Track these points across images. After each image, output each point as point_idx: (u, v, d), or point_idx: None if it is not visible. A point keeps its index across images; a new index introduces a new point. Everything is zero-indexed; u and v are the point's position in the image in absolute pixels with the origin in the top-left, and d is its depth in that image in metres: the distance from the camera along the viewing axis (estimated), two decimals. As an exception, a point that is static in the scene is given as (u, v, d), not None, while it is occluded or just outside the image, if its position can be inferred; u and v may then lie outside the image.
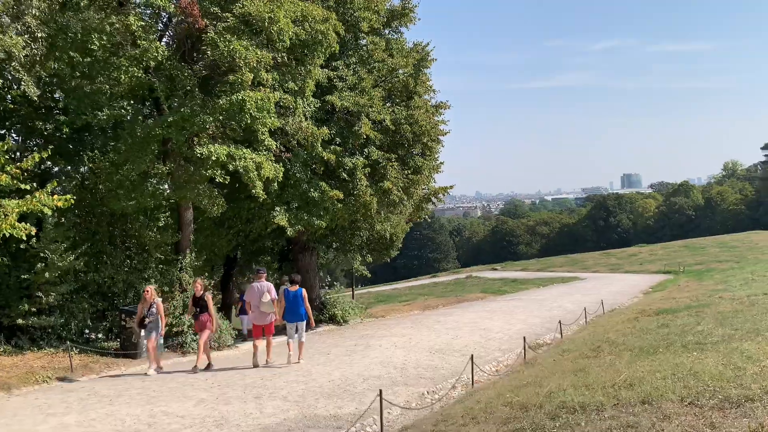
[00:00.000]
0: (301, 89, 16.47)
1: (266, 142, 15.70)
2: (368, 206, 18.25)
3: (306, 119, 17.07)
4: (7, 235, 11.32)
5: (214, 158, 14.33)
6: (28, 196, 11.43)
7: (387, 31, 21.23)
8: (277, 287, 14.42)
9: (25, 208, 11.35)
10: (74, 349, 13.51)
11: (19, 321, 13.92)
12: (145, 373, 12.51)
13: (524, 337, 13.87)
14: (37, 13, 13.56)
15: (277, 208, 17.37)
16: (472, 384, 10.75)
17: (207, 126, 14.49)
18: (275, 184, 16.03)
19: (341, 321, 20.64)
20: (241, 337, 18.83)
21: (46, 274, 13.87)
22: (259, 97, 14.59)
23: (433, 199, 21.49)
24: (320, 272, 23.61)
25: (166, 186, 15.85)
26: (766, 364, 7.53)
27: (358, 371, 12.05)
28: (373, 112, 18.50)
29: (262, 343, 13.48)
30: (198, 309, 13.26)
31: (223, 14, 14.83)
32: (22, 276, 14.09)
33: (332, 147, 17.95)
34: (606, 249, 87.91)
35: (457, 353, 14.15)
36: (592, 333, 15.42)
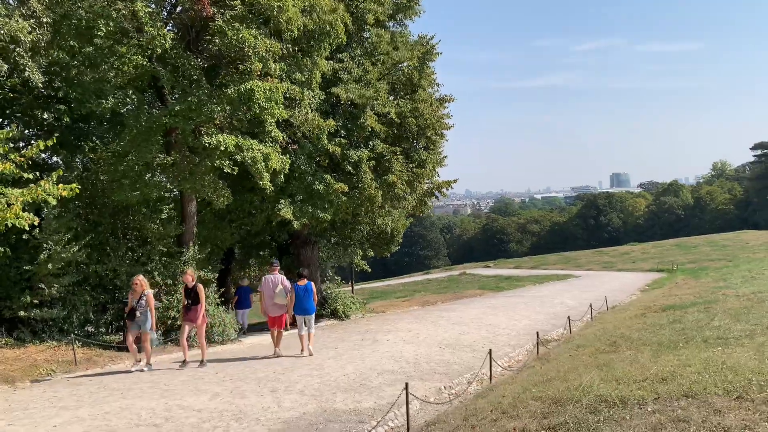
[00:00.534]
0: (308, 80, 16.23)
1: (273, 133, 15.45)
2: (373, 199, 18.03)
3: (311, 111, 16.82)
4: (10, 225, 11.01)
5: (222, 148, 14.08)
6: (32, 185, 11.15)
7: (391, 24, 21.01)
8: None
9: (29, 197, 11.06)
10: (77, 342, 13.24)
11: (21, 313, 13.60)
12: (130, 370, 11.92)
13: (537, 333, 13.74)
14: (43, -2, 13.26)
15: (282, 201, 17.11)
16: (490, 379, 10.58)
17: (215, 116, 14.24)
18: (281, 176, 15.76)
19: (342, 316, 20.45)
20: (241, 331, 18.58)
21: (49, 266, 13.55)
22: (268, 87, 14.34)
23: (436, 193, 21.29)
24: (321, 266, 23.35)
25: (170, 177, 15.49)
26: (800, 359, 7.42)
27: (371, 365, 11.85)
28: (378, 104, 18.29)
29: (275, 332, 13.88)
30: (189, 301, 12.70)
31: (231, 2, 14.55)
32: (24, 267, 13.77)
33: (337, 139, 17.72)
34: (596, 247, 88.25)
35: (467, 348, 14.00)
36: (602, 329, 15.30)
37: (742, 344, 9.15)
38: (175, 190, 16.94)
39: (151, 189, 14.70)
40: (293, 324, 14.00)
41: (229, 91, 14.18)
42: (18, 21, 12.26)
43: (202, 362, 12.49)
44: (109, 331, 15.97)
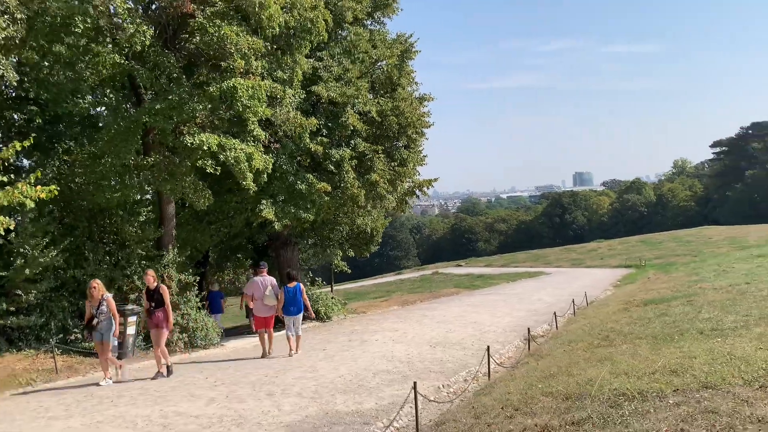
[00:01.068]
0: (290, 78, 15.99)
1: (255, 132, 15.17)
2: (356, 199, 17.85)
3: (293, 110, 16.56)
4: (-15, 229, 10.56)
5: (205, 148, 13.74)
6: (8, 187, 10.70)
7: (369, 22, 20.85)
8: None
9: (5, 200, 10.63)
10: (57, 349, 12.78)
11: (-3, 321, 13.09)
12: (98, 384, 10.89)
13: (528, 329, 13.72)
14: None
15: (264, 202, 16.80)
16: (489, 376, 10.49)
17: (196, 114, 13.90)
18: (264, 176, 15.47)
19: (324, 317, 20.19)
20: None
21: (26, 271, 13.06)
22: (251, 85, 14.06)
23: (417, 192, 21.19)
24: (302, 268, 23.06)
25: (149, 178, 15.06)
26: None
27: (365, 366, 11.68)
28: (359, 103, 18.12)
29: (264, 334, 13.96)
30: (153, 304, 11.72)
31: (212, -2, 14.23)
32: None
33: (319, 138, 17.49)
34: (562, 245, 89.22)
35: (457, 346, 13.91)
36: (588, 324, 15.36)
37: (740, 335, 9.23)
38: (152, 192, 16.52)
39: (130, 190, 14.29)
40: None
41: (211, 89, 13.86)
42: (-9, 17, 11.76)
43: (168, 369, 11.64)
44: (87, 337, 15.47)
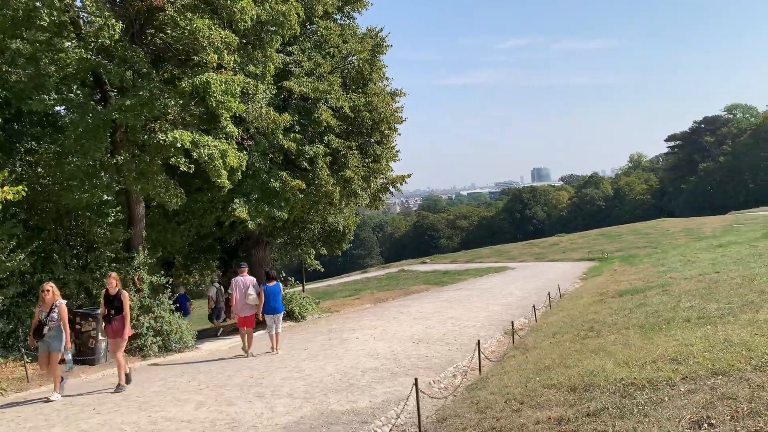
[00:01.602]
0: (262, 73, 15.64)
1: (228, 129, 14.79)
2: (331, 196, 17.59)
3: (265, 105, 16.22)
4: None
5: (178, 145, 13.31)
6: (-28, 189, 10.21)
7: (339, 16, 20.58)
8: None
9: (-29, 202, 10.14)
10: (27, 357, 12.22)
11: (-39, 329, 12.47)
12: (47, 399, 9.92)
13: (512, 322, 13.70)
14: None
15: (237, 200, 16.42)
16: (480, 371, 10.39)
17: (168, 111, 13.46)
18: (238, 173, 15.10)
19: (299, 317, 19.89)
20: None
21: (-7, 276, 12.47)
22: (224, 80, 13.69)
23: (390, 188, 21.00)
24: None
25: (119, 178, 14.55)
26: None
27: (351, 364, 11.46)
28: (331, 98, 17.86)
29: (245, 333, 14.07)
30: (112, 311, 10.75)
31: (182, -9, 13.79)
32: (-37, 279, 12.63)
33: (292, 135, 17.16)
34: (523, 240, 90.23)
35: (439, 342, 13.80)
36: (567, 315, 15.44)
37: (729, 322, 9.31)
38: (120, 192, 15.97)
39: (100, 190, 13.76)
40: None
41: (183, 84, 13.45)
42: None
43: (127, 377, 10.79)
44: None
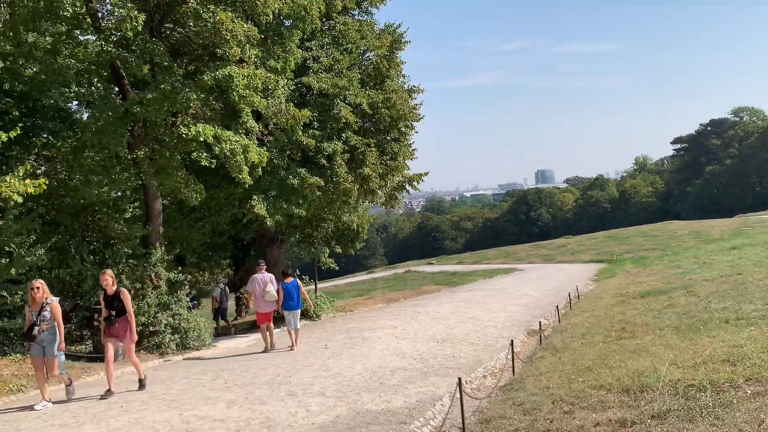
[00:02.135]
0: (283, 68, 15.41)
1: (248, 124, 14.59)
2: (349, 193, 17.37)
3: (285, 101, 16.00)
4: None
5: (201, 139, 13.10)
6: (-4, 180, 10.00)
7: (356, 12, 20.34)
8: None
9: (-6, 194, 9.94)
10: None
11: (-20, 325, 12.26)
12: (32, 407, 9.03)
13: (540, 323, 13.47)
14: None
15: (255, 197, 16.21)
16: (513, 372, 10.14)
17: (191, 104, 13.25)
18: (259, 169, 14.87)
19: (313, 316, 19.68)
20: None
21: (12, 271, 12.24)
22: (247, 74, 13.48)
23: (407, 186, 20.74)
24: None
25: (139, 172, 14.33)
26: None
27: (378, 363, 11.22)
28: (350, 95, 17.63)
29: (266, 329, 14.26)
30: (113, 312, 9.85)
31: (204, -18, 13.57)
32: (-18, 274, 12.41)
33: (311, 131, 16.94)
34: (528, 242, 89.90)
35: (464, 342, 13.55)
36: (592, 316, 15.19)
37: (773, 322, 9.08)
38: (138, 187, 15.77)
39: (119, 185, 13.58)
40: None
41: (206, 78, 13.23)
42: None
43: (141, 383, 10.17)
44: (74, 340, 14.70)
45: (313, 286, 25.07)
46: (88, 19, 13.90)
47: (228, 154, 13.65)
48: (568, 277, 34.65)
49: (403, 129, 19.47)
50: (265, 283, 14.02)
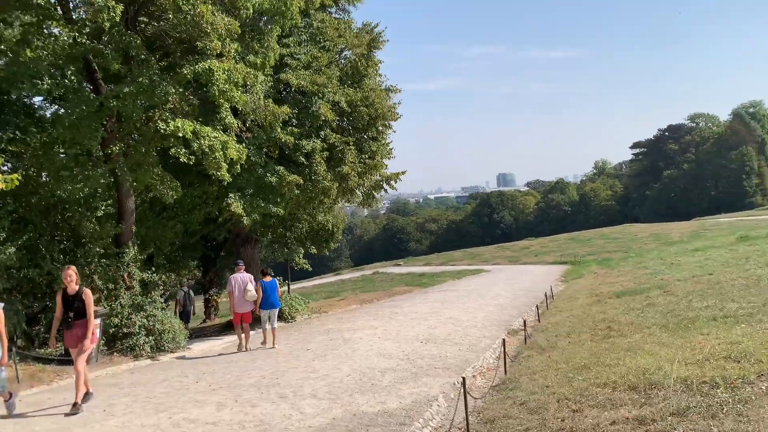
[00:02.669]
0: (262, 64, 15.09)
1: (227, 120, 14.23)
2: (328, 192, 17.11)
3: (263, 97, 15.68)
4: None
5: (180, 135, 12.70)
6: (-36, 176, 9.51)
7: (333, 10, 20.11)
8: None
9: (-37, 190, 9.45)
10: (15, 356, 11.47)
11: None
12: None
13: (524, 321, 13.41)
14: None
15: (231, 195, 15.82)
16: (505, 371, 10.04)
17: (169, 98, 12.85)
18: (237, 166, 14.52)
19: (288, 317, 19.34)
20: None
21: (-21, 270, 11.68)
22: (227, 68, 13.14)
23: (385, 185, 20.54)
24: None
25: (115, 169, 13.84)
26: None
27: (366, 364, 11.02)
28: (329, 92, 17.38)
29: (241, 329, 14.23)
30: (71, 314, 8.69)
31: (183, -25, 13.17)
32: (-54, 274, 11.82)
33: (289, 128, 16.64)
34: (491, 243, 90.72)
35: (447, 342, 13.43)
36: (571, 316, 15.24)
37: (761, 320, 9.15)
38: (111, 184, 15.26)
39: (94, 182, 13.07)
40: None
41: (185, 72, 12.85)
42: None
43: (85, 397, 8.64)
44: (42, 343, 14.13)
45: (287, 288, 24.73)
46: (59, 10, 13.45)
47: (207, 150, 13.28)
48: (535, 278, 34.96)
49: (380, 128, 19.29)
50: (245, 282, 14.00)
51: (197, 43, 13.04)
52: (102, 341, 13.59)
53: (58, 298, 8.92)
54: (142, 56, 13.18)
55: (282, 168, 16.46)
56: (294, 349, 13.39)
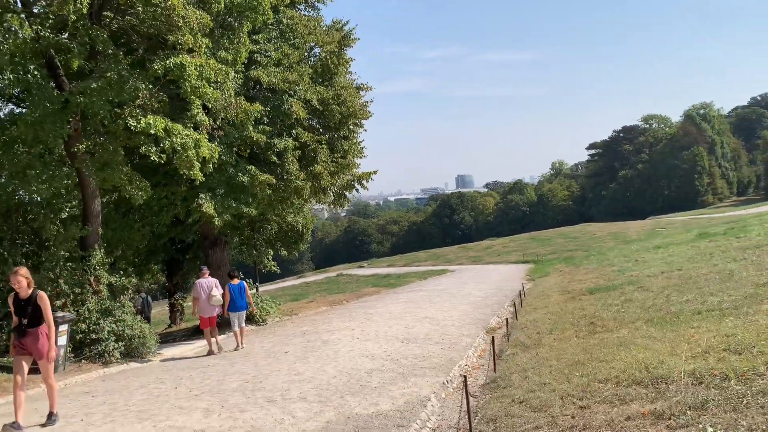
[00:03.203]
0: (234, 60, 14.70)
1: (198, 118, 13.82)
2: (301, 191, 16.77)
3: (234, 94, 15.28)
4: None
5: (152, 132, 12.23)
6: None
7: (303, 7, 19.77)
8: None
9: None
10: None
11: None
12: None
13: (507, 319, 13.35)
14: None
15: (202, 196, 15.38)
16: (495, 369, 9.89)
17: (139, 94, 12.37)
18: (210, 165, 14.09)
19: (259, 320, 18.92)
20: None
21: (-62, 276, 11.03)
22: (199, 63, 12.72)
23: (356, 185, 20.26)
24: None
25: (84, 168, 13.28)
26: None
27: (350, 365, 10.75)
28: (300, 90, 17.06)
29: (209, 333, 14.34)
30: (24, 320, 7.77)
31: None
32: None
33: (261, 127, 16.26)
34: (452, 244, 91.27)
35: (428, 341, 13.25)
36: (549, 313, 15.23)
37: (748, 313, 9.18)
38: (76, 185, 14.65)
39: (60, 182, 12.50)
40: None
41: (156, 67, 12.39)
42: None
43: (50, 417, 7.91)
44: (4, 351, 13.44)
45: (255, 290, 24.26)
46: (19, 4, 12.88)
47: (179, 148, 12.84)
48: (502, 277, 35.13)
49: (351, 126, 19.04)
50: (210, 287, 14.28)
51: (168, 37, 12.59)
52: (69, 348, 13.04)
53: (10, 303, 7.99)
54: (110, 51, 12.66)
55: (253, 167, 16.08)
56: (272, 352, 13.03)
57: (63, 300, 13.30)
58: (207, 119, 14.18)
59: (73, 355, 13.18)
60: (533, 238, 76.08)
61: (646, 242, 44.98)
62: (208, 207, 15.29)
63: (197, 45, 13.14)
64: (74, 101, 12.01)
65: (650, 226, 70.90)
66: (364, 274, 50.67)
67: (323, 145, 17.56)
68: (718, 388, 5.59)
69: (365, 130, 19.90)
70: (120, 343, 13.58)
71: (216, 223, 15.78)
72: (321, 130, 18.57)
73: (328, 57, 18.71)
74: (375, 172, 20.42)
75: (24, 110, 13.67)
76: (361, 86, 20.00)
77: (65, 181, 12.85)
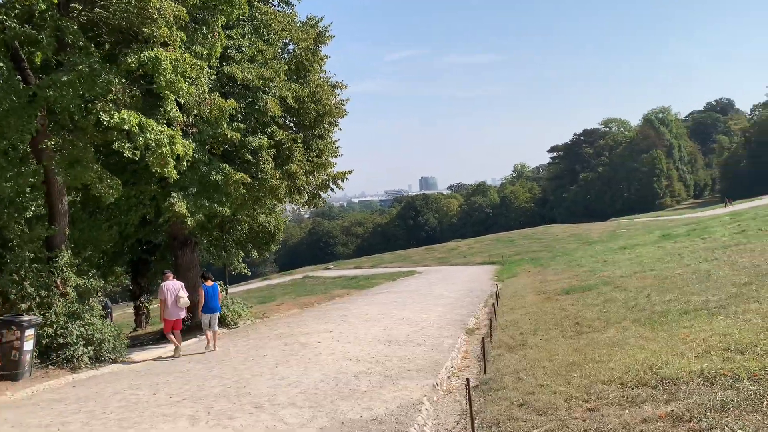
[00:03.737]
0: (209, 55, 14.25)
1: (172, 114, 13.36)
2: (275, 191, 16.38)
3: (208, 90, 14.83)
4: None
5: (125, 127, 11.74)
6: None
7: (276, 3, 19.35)
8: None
9: None
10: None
11: None
12: None
13: (490, 320, 13.17)
14: None
15: (174, 194, 14.88)
16: (485, 371, 9.71)
17: (112, 88, 11.86)
18: (184, 163, 13.64)
19: (231, 323, 18.47)
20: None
21: None
22: (175, 57, 12.28)
23: (331, 185, 19.90)
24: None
25: (51, 165, 12.70)
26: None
27: (335, 368, 10.46)
28: (275, 87, 16.68)
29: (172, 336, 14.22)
30: None
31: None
32: None
33: (235, 124, 15.83)
34: (416, 246, 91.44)
35: (410, 343, 13.04)
36: (527, 313, 15.18)
37: (737, 312, 9.21)
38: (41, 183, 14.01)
39: (26, 179, 11.91)
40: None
41: (129, 60, 11.90)
42: None
43: None
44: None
45: (225, 292, 23.73)
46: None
47: (153, 144, 12.35)
48: (470, 278, 35.17)
49: (327, 125, 18.71)
50: (177, 290, 14.12)
51: (143, 29, 12.09)
52: (35, 353, 12.44)
53: None
54: (80, 43, 12.12)
55: (227, 166, 15.64)
56: (249, 356, 12.64)
57: (28, 303, 12.71)
58: (181, 115, 13.70)
59: (39, 360, 12.60)
60: (497, 239, 76.65)
61: (609, 243, 45.52)
62: (180, 206, 14.80)
63: (172, 38, 12.69)
64: (42, 95, 11.45)
65: (611, 227, 72.02)
66: (330, 276, 50.31)
67: (298, 144, 17.19)
68: (733, 388, 5.50)
69: (340, 129, 19.60)
70: (89, 348, 13.03)
71: (189, 223, 15.31)
72: (295, 128, 18.19)
73: (302, 54, 18.35)
74: (350, 172, 20.11)
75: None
76: (337, 84, 19.66)
77: (31, 179, 12.22)
